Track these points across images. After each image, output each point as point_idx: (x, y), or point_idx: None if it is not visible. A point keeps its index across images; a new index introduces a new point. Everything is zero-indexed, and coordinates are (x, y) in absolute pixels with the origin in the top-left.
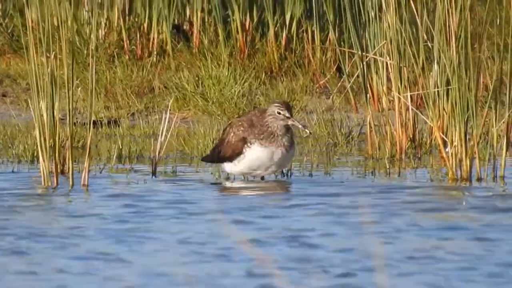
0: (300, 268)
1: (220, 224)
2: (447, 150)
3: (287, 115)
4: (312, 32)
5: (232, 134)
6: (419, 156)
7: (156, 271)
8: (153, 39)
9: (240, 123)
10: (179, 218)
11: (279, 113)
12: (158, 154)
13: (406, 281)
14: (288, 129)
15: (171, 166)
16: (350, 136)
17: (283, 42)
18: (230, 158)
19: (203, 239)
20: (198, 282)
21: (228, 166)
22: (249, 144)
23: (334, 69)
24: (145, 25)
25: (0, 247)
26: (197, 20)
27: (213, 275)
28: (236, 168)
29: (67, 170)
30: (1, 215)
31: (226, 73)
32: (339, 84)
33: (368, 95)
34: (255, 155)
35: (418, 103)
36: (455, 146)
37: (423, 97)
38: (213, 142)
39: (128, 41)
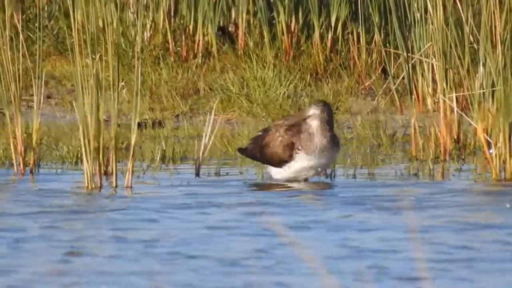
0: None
1: (265, 219)
2: (491, 151)
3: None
4: (358, 33)
5: (280, 138)
6: (463, 157)
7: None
8: (199, 41)
9: (287, 127)
10: (222, 217)
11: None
12: (202, 155)
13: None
14: (326, 127)
15: (214, 167)
16: (394, 138)
17: (328, 44)
18: (279, 165)
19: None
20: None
21: (275, 172)
22: (297, 151)
23: (380, 70)
24: (191, 27)
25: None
26: (242, 22)
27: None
28: (284, 174)
29: (110, 172)
30: (43, 217)
31: (271, 75)
32: (384, 85)
33: (413, 96)
34: (304, 161)
35: (463, 105)
36: (499, 148)
37: (468, 99)
38: None
39: (173, 43)
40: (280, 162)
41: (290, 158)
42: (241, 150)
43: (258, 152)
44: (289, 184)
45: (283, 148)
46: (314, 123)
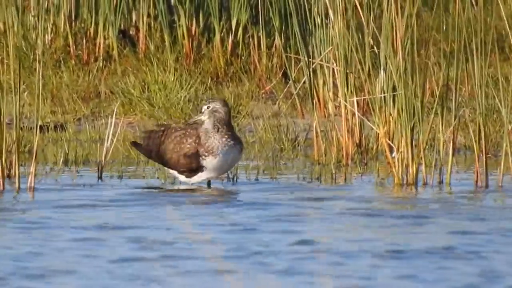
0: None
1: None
2: (393, 155)
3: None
4: (258, 38)
5: (188, 146)
6: (365, 161)
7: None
8: (99, 44)
9: (190, 131)
10: (127, 220)
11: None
12: (104, 158)
13: None
14: (223, 127)
15: (117, 170)
16: (296, 142)
17: (229, 48)
18: (187, 173)
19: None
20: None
21: (183, 178)
22: (203, 157)
23: (280, 75)
24: (91, 30)
25: None
26: (143, 25)
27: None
28: (193, 180)
29: (13, 175)
30: None
31: (172, 78)
32: (285, 89)
33: (314, 101)
34: (212, 165)
35: (364, 109)
36: (401, 152)
37: (369, 103)
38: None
39: (74, 46)
40: (188, 169)
41: (198, 165)
42: (140, 149)
43: (162, 159)
44: (190, 188)
45: (190, 156)
46: (207, 124)
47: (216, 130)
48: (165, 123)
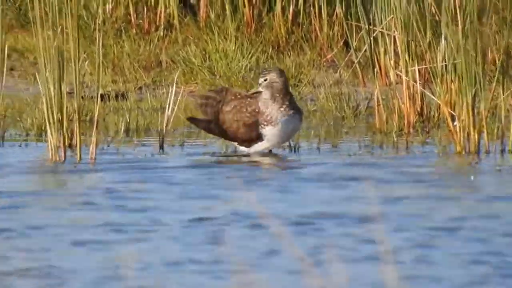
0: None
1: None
2: (455, 124)
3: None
4: (319, 6)
5: (247, 115)
6: (427, 130)
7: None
8: (160, 13)
9: (250, 100)
10: (187, 191)
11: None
12: (166, 127)
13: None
14: (281, 97)
15: (178, 139)
16: (358, 110)
17: (290, 17)
18: (247, 144)
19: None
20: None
21: (243, 148)
22: (263, 126)
23: (341, 43)
24: None
25: (9, 223)
26: None
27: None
28: (252, 149)
29: (75, 144)
30: (8, 189)
31: (233, 47)
32: (346, 58)
33: (375, 69)
34: (272, 135)
35: (425, 78)
36: (462, 120)
37: (430, 72)
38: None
39: (135, 15)
40: (249, 141)
41: (258, 136)
42: (194, 122)
43: (221, 132)
44: (251, 157)
45: (249, 128)
46: (265, 94)
47: (274, 100)
48: (221, 86)
